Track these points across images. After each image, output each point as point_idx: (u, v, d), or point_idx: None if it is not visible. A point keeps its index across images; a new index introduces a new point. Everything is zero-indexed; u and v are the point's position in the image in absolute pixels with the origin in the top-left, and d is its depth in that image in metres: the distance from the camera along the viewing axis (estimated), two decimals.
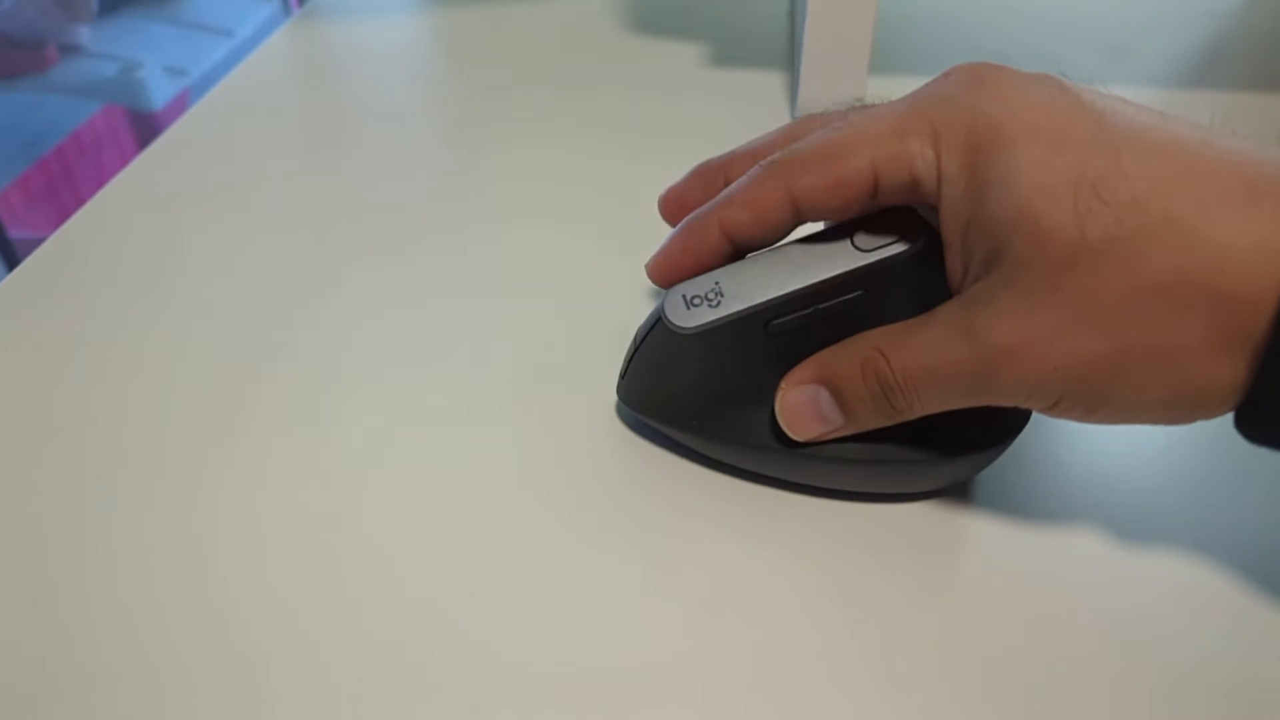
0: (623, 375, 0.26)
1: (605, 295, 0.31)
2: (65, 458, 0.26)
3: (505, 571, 0.23)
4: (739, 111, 0.42)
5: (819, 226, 0.24)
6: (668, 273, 0.24)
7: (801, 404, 0.23)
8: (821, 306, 0.23)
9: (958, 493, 0.25)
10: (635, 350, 0.25)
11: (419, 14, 0.52)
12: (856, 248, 0.23)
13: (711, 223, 0.23)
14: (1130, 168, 0.19)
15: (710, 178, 0.26)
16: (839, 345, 0.22)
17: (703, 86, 0.44)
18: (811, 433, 0.23)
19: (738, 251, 0.24)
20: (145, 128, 0.50)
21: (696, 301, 0.23)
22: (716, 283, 0.23)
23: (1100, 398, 0.20)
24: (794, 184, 0.22)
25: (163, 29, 0.55)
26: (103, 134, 0.51)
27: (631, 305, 0.31)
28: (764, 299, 0.23)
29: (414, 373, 0.29)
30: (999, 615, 0.22)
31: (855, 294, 0.23)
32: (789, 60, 0.46)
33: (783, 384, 0.23)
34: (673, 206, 0.27)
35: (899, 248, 0.22)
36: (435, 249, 0.34)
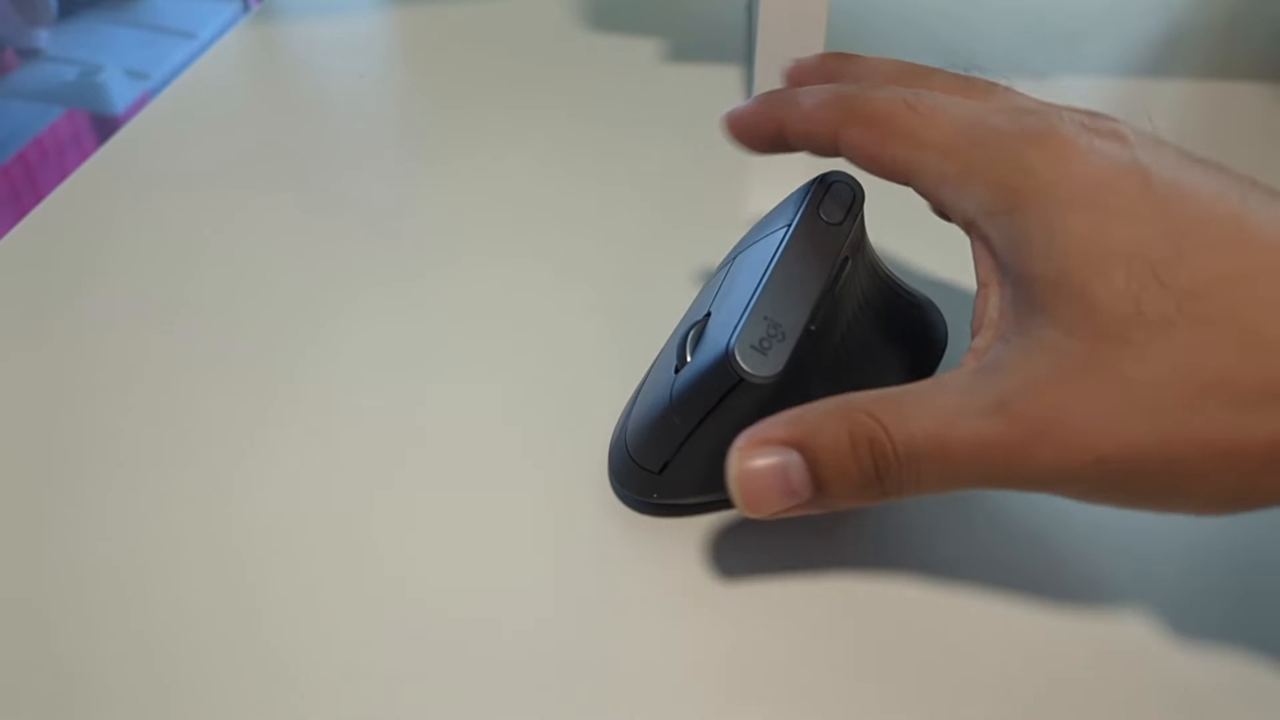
0: (659, 469, 0.23)
1: (575, 300, 0.32)
2: (22, 457, 0.26)
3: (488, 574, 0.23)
4: (697, 105, 0.42)
5: (781, 194, 0.27)
6: (745, 128, 0.24)
7: (766, 472, 0.19)
8: (836, 288, 0.23)
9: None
10: (691, 432, 0.23)
11: (375, 11, 0.52)
12: (827, 221, 0.24)
13: (776, 114, 0.23)
14: (1193, 258, 0.17)
15: (767, 121, 0.24)
16: (819, 405, 0.19)
17: (661, 81, 0.45)
18: (771, 508, 0.19)
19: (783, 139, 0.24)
20: (108, 132, 0.50)
21: (766, 344, 0.22)
22: (765, 317, 0.23)
23: (1143, 495, 0.18)
24: (844, 131, 0.22)
25: (123, 32, 0.55)
26: (65, 139, 0.51)
27: (600, 312, 0.31)
28: (808, 307, 0.23)
29: (376, 376, 0.29)
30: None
31: (847, 262, 0.24)
32: (746, 54, 0.46)
33: (741, 442, 0.19)
34: (740, 127, 0.25)
35: (853, 203, 0.24)
36: (393, 246, 0.34)
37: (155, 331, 0.31)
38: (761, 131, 0.24)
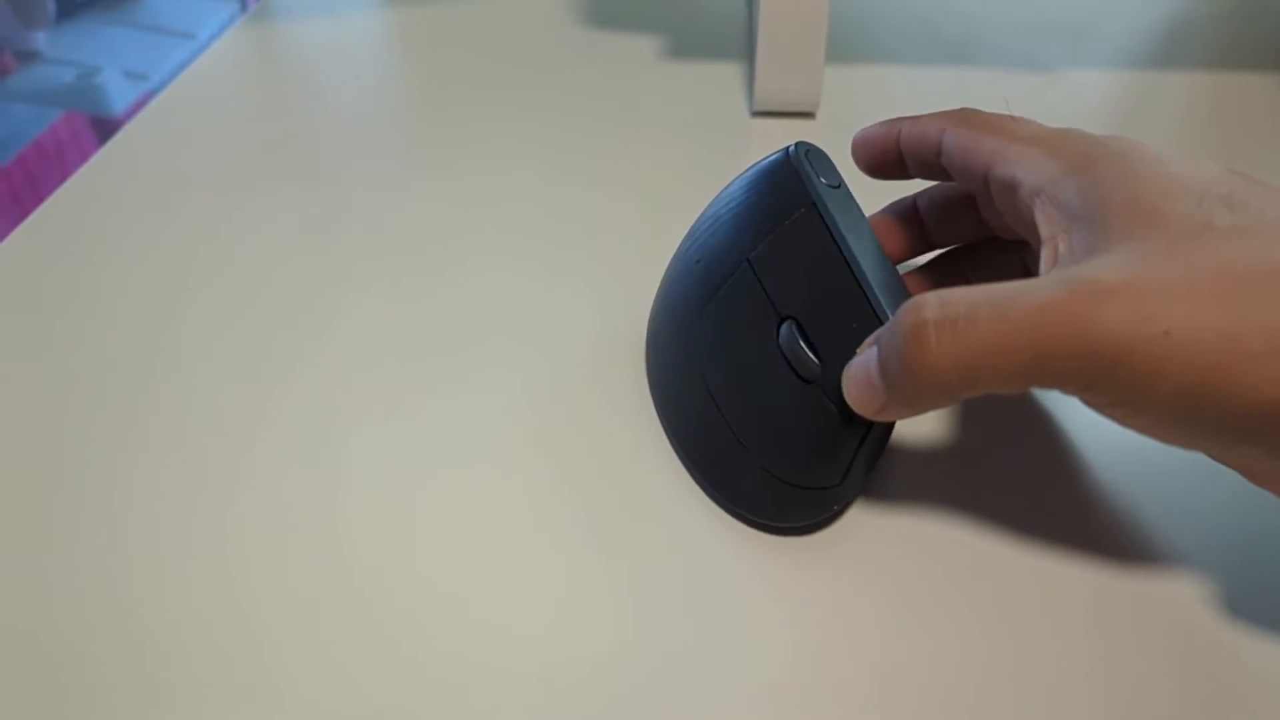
0: (840, 480, 0.23)
1: (572, 298, 0.32)
2: (20, 459, 0.26)
3: (505, 577, 0.23)
4: (697, 103, 0.42)
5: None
6: (868, 140, 0.26)
7: (858, 367, 0.21)
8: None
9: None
10: (871, 423, 0.22)
11: (371, 10, 0.52)
12: (831, 185, 0.25)
13: (896, 126, 0.25)
14: (1262, 198, 0.19)
15: (889, 132, 0.26)
16: None
17: (661, 79, 0.44)
18: (861, 404, 0.21)
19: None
20: (107, 133, 0.50)
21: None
22: (888, 290, 0.23)
23: (1201, 391, 0.18)
24: (951, 129, 0.24)
25: (122, 33, 0.55)
26: (65, 140, 0.51)
27: (601, 312, 0.31)
28: (895, 269, 0.24)
29: (370, 371, 0.29)
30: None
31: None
32: (747, 51, 0.46)
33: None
34: (863, 141, 0.27)
35: (831, 162, 0.25)
36: (396, 244, 0.34)
37: (157, 333, 0.31)
38: (883, 143, 0.25)
